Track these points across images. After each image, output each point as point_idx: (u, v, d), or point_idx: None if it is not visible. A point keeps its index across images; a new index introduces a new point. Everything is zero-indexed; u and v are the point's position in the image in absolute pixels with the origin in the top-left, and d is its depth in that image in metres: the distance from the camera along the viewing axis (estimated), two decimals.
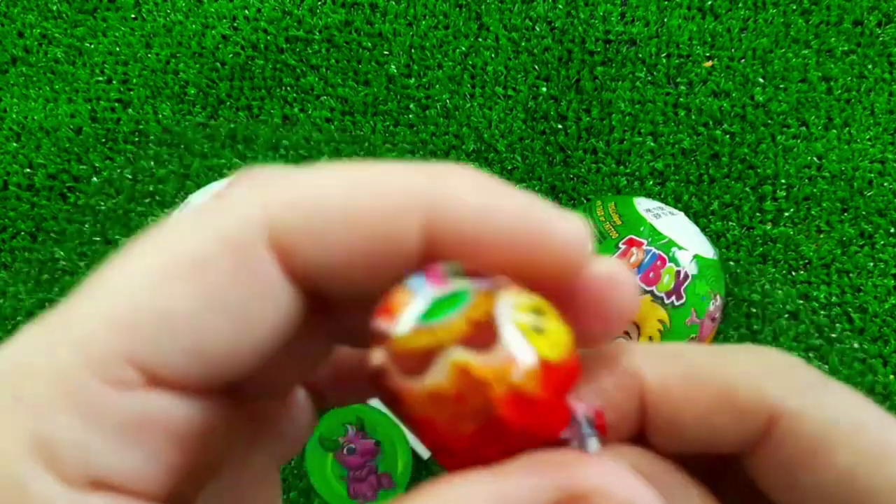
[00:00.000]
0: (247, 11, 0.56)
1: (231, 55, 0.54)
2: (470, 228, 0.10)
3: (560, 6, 0.55)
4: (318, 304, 0.11)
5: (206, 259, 0.10)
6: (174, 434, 0.10)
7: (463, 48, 0.54)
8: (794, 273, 0.48)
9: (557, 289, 0.11)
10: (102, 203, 0.51)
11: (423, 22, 0.55)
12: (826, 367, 0.46)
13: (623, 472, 0.10)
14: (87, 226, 0.50)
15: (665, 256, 0.37)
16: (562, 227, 0.11)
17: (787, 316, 0.47)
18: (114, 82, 0.54)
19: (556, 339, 0.10)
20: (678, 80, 0.53)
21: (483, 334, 0.10)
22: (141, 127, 0.53)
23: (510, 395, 0.10)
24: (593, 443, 0.11)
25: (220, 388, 0.11)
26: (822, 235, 0.49)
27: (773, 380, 0.11)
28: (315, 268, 0.10)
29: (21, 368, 0.10)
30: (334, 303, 0.11)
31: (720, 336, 0.47)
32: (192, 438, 0.11)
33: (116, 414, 0.10)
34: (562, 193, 0.50)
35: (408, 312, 0.10)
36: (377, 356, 0.10)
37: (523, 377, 0.10)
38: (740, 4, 0.55)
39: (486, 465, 0.10)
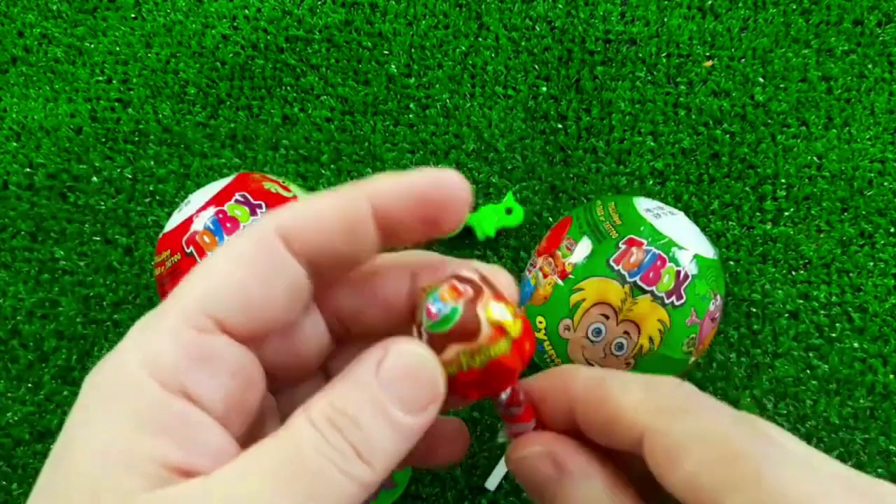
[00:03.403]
0: (247, 11, 0.56)
1: (231, 55, 0.54)
2: (395, 200, 0.17)
3: (560, 6, 0.55)
4: (318, 284, 0.18)
5: (244, 252, 0.16)
6: (231, 367, 0.16)
7: (463, 48, 0.54)
8: (794, 273, 0.48)
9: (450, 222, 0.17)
10: (102, 203, 0.51)
11: (423, 22, 0.55)
12: (826, 366, 0.46)
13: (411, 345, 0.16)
14: (87, 226, 0.50)
15: (665, 256, 0.37)
16: (448, 175, 0.17)
17: (787, 316, 0.47)
18: (114, 82, 0.54)
19: (517, 325, 0.17)
20: (678, 79, 0.53)
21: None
22: (141, 127, 0.53)
23: (509, 348, 0.17)
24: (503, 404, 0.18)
25: (259, 337, 0.17)
26: (822, 235, 0.49)
27: (647, 405, 0.16)
28: (308, 246, 0.17)
29: (153, 313, 0.16)
30: (326, 279, 0.18)
31: (720, 336, 0.47)
32: (241, 373, 0.16)
33: (198, 348, 0.16)
34: (562, 193, 0.50)
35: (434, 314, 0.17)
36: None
37: (508, 342, 0.17)
38: (740, 4, 0.55)
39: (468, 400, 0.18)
